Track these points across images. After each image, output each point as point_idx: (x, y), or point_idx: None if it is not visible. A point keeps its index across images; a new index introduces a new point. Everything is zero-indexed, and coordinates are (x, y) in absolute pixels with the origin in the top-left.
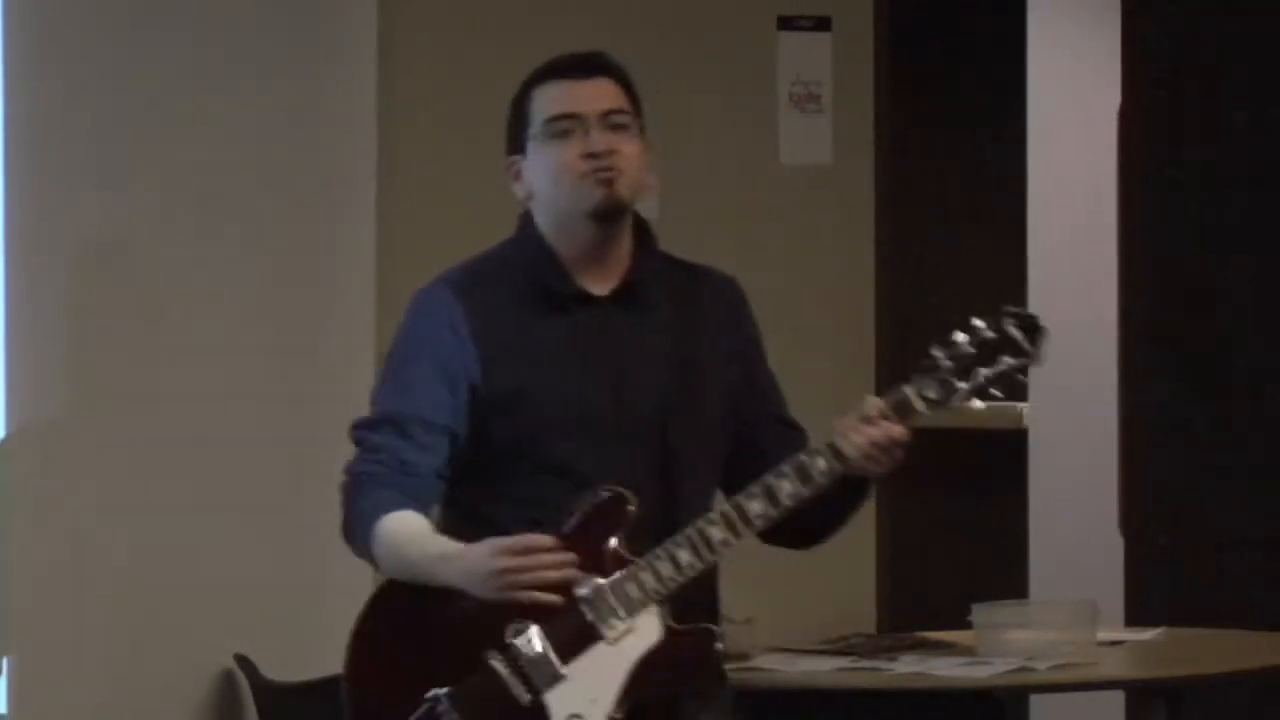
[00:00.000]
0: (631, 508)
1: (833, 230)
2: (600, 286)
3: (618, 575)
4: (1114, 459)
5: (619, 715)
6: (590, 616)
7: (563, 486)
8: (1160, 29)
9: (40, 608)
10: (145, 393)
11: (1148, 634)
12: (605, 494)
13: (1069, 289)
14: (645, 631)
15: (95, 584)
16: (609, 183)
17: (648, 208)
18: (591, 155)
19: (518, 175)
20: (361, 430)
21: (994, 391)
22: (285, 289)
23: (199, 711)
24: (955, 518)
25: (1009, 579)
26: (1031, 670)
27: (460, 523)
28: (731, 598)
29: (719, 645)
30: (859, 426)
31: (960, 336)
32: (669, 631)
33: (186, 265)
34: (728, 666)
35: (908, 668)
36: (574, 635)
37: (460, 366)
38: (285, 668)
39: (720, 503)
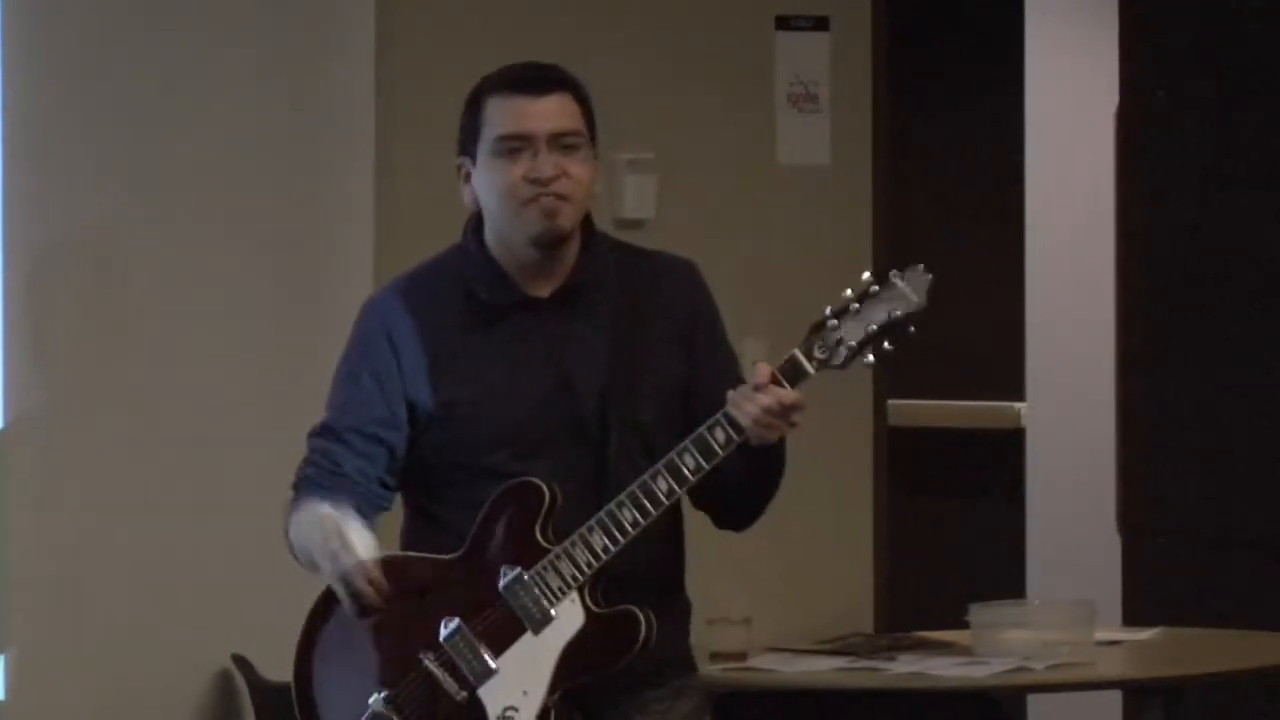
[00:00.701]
0: (547, 497)
1: (831, 230)
2: (543, 288)
3: (538, 565)
4: (1112, 459)
5: (552, 703)
6: (514, 608)
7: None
8: (1157, 30)
9: (39, 606)
10: (144, 392)
11: (1145, 634)
12: (516, 484)
13: (1067, 289)
14: (568, 618)
15: (93, 583)
16: (551, 214)
17: (644, 208)
18: (536, 180)
19: (466, 179)
20: (310, 437)
21: (886, 345)
22: (283, 289)
23: (196, 711)
24: (953, 517)
25: (1007, 579)
26: (1029, 670)
27: (421, 526)
28: (730, 597)
29: (644, 627)
30: (750, 394)
31: (848, 292)
32: (591, 616)
33: (185, 265)
34: (724, 666)
35: (906, 668)
36: (501, 628)
37: (395, 379)
38: (283, 668)
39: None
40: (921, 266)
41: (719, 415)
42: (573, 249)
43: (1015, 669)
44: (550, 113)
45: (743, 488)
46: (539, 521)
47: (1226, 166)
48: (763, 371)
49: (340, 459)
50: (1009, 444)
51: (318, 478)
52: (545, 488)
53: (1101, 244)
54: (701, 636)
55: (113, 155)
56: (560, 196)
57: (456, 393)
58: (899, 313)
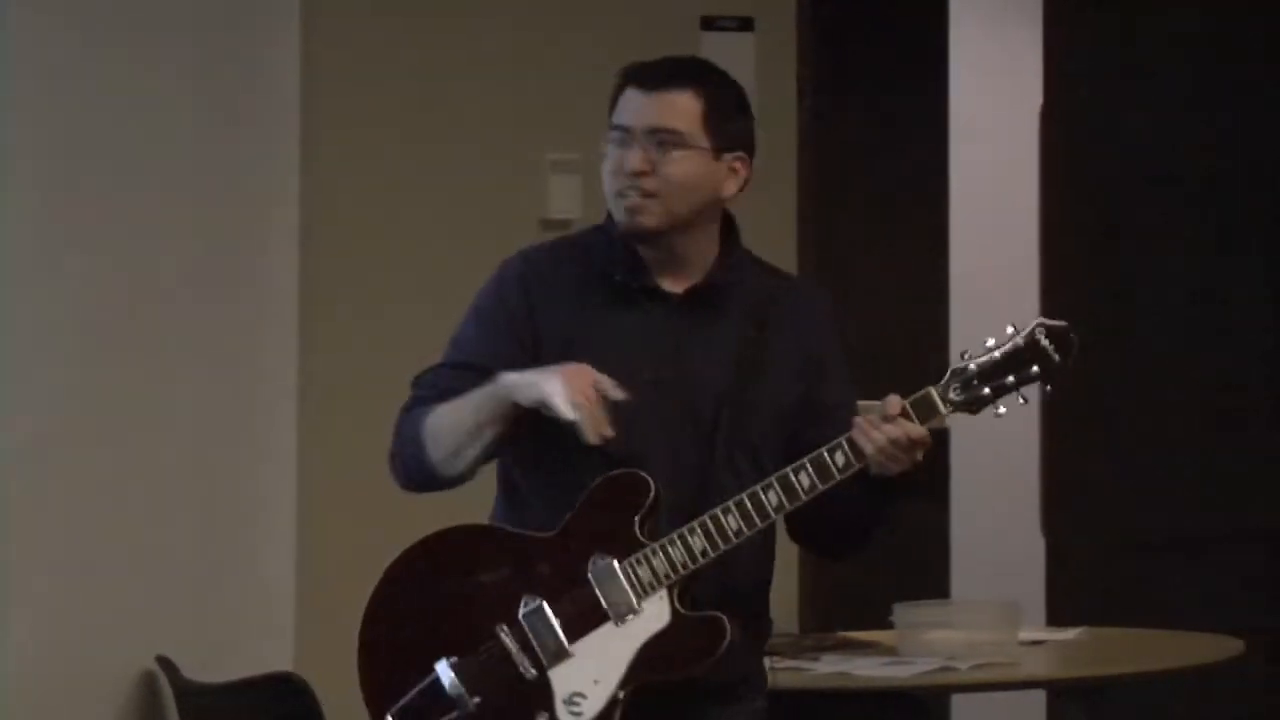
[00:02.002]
0: (651, 491)
1: (755, 232)
2: (676, 284)
3: (632, 557)
4: (1035, 460)
5: (622, 697)
6: (599, 595)
7: (602, 473)
8: (1081, 30)
9: None
10: (69, 393)
11: (1068, 634)
12: (622, 474)
13: (990, 288)
14: (654, 615)
15: (16, 583)
16: (633, 210)
17: (570, 208)
18: (625, 173)
19: None
20: (417, 378)
21: (1020, 398)
22: (211, 290)
23: (121, 712)
24: None
25: (931, 579)
26: (953, 670)
27: (514, 502)
28: None
29: (728, 635)
30: (878, 423)
31: (990, 342)
32: (677, 616)
33: (104, 261)
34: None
35: (830, 668)
36: (583, 614)
37: (525, 325)
38: (207, 669)
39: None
40: (1067, 325)
41: (842, 439)
42: (706, 246)
43: (939, 669)
44: (654, 109)
45: (852, 516)
46: (639, 515)
47: (1150, 165)
48: (894, 403)
49: (450, 382)
50: (933, 445)
51: (429, 399)
52: (651, 482)
53: (1025, 243)
54: None
55: (34, 149)
56: (645, 193)
57: (577, 360)
58: (1036, 369)
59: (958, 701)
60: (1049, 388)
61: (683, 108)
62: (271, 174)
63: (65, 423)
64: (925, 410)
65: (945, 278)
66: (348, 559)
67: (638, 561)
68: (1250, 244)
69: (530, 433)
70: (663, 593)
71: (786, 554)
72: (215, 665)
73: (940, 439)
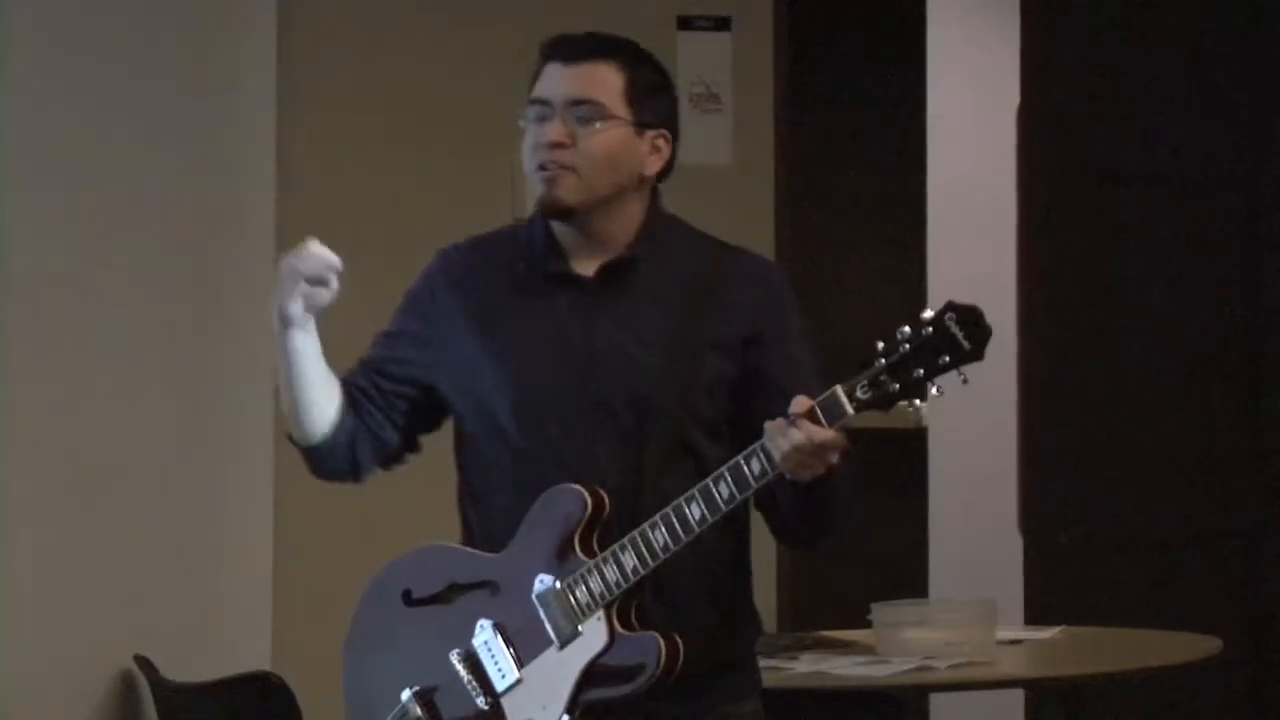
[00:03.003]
0: (586, 506)
1: (732, 231)
2: (588, 266)
3: (570, 577)
4: (1013, 459)
5: None
6: (544, 618)
7: (532, 467)
8: (1058, 30)
9: None
10: (43, 389)
11: (1046, 633)
12: (556, 490)
13: (968, 288)
14: (592, 636)
15: None
16: (550, 182)
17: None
18: (541, 145)
19: None
20: None
21: (933, 390)
22: (186, 289)
23: (99, 711)
24: None
25: (909, 578)
26: (931, 669)
27: (460, 495)
28: None
29: (663, 654)
30: (784, 428)
31: (904, 331)
32: (614, 636)
33: (81, 260)
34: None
35: (808, 667)
36: (531, 637)
37: (422, 326)
38: (185, 668)
39: (665, 506)
40: (979, 310)
41: (756, 445)
42: (626, 223)
43: (917, 668)
44: (573, 81)
45: (796, 514)
46: (578, 530)
47: (1126, 164)
48: (800, 404)
49: (351, 377)
50: (911, 444)
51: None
52: (584, 495)
53: (1003, 243)
54: None
55: (15, 151)
56: (563, 166)
57: (490, 358)
58: (947, 359)
59: (936, 701)
60: (963, 378)
61: (603, 79)
62: (247, 175)
63: (41, 423)
64: (833, 411)
65: (923, 277)
66: (325, 559)
67: (575, 582)
68: (1226, 243)
69: (469, 443)
70: (600, 613)
71: (765, 554)
72: (193, 665)
73: (918, 438)
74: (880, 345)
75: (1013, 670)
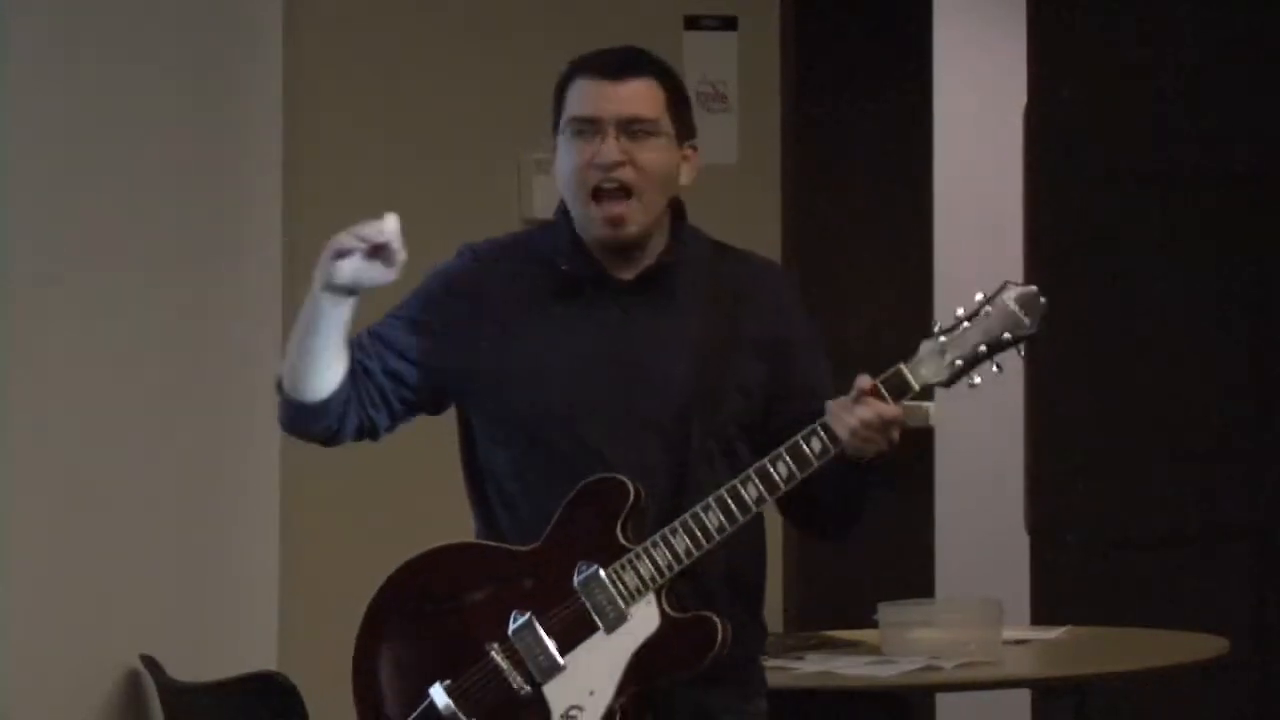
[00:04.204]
0: (630, 495)
1: (739, 230)
2: (626, 271)
3: (616, 563)
4: (1020, 458)
5: (619, 706)
6: (588, 605)
7: (575, 469)
8: (1065, 29)
9: None
10: (47, 389)
11: (1053, 633)
12: (600, 479)
13: (975, 288)
14: (643, 620)
15: (1, 582)
16: (615, 222)
17: (553, 208)
18: (600, 165)
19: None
20: None
21: (993, 367)
22: (192, 290)
23: (104, 711)
24: None
25: (915, 578)
26: (937, 669)
27: (488, 523)
28: None
29: (720, 634)
30: (849, 405)
31: (960, 311)
32: (666, 620)
33: (87, 262)
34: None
35: (814, 667)
36: (573, 625)
37: (436, 325)
38: (191, 668)
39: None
40: (1035, 289)
41: (816, 424)
42: (655, 240)
43: (923, 668)
44: (624, 98)
45: (837, 499)
46: (621, 519)
47: (1134, 163)
48: (864, 383)
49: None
50: (918, 443)
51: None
52: (630, 485)
53: (1010, 242)
54: None
55: (19, 152)
56: (623, 186)
57: (529, 358)
58: (1008, 335)
59: (942, 701)
60: (1020, 352)
61: (652, 95)
62: (253, 177)
63: (48, 424)
64: (897, 387)
65: (930, 276)
66: (331, 558)
67: (623, 567)
68: (1235, 242)
69: (502, 447)
70: (650, 597)
71: (771, 552)
72: (200, 664)
73: (924, 437)
74: (938, 324)
75: (1019, 670)
